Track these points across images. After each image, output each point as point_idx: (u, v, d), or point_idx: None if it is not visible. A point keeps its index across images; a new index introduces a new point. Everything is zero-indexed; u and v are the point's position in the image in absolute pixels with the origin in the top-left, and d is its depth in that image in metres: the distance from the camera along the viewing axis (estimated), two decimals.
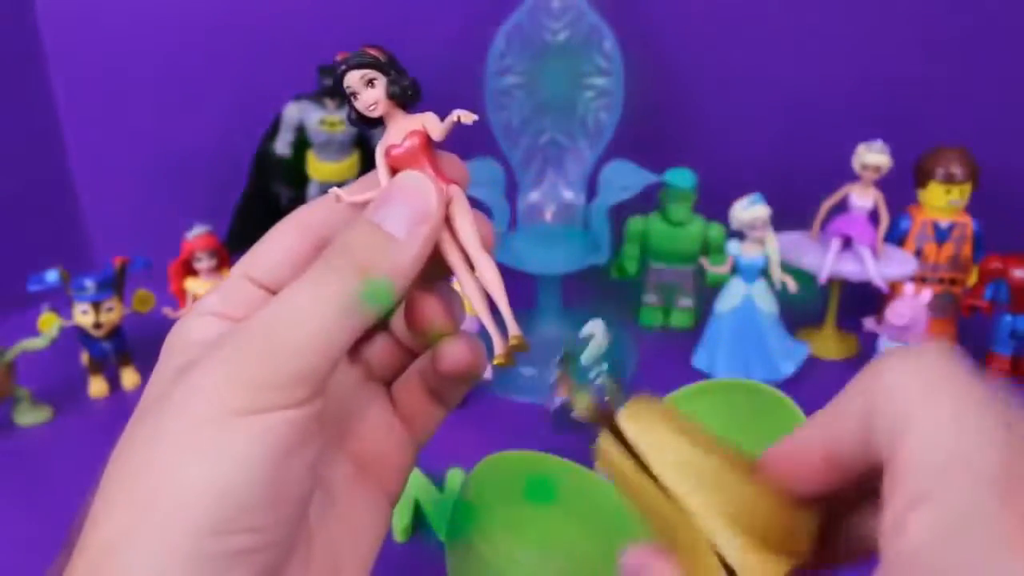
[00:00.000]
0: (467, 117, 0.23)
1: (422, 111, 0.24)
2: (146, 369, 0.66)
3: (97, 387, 0.64)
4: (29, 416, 0.60)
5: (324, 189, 0.70)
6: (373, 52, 0.23)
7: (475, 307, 0.23)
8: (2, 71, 0.74)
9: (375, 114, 0.23)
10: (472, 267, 0.23)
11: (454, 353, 0.24)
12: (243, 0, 0.74)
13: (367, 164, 0.71)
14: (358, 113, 0.23)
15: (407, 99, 0.23)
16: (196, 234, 0.65)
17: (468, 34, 0.67)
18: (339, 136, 0.69)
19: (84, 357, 0.64)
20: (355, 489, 0.24)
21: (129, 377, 0.65)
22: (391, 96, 0.23)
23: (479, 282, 0.23)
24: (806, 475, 0.20)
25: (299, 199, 0.71)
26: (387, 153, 0.24)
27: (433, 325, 0.24)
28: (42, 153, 0.78)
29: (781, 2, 0.75)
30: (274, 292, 0.23)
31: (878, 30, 0.75)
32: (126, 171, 0.80)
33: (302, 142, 0.70)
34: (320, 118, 0.68)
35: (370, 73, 0.23)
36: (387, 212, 0.22)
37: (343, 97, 0.23)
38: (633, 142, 0.69)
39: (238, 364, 0.20)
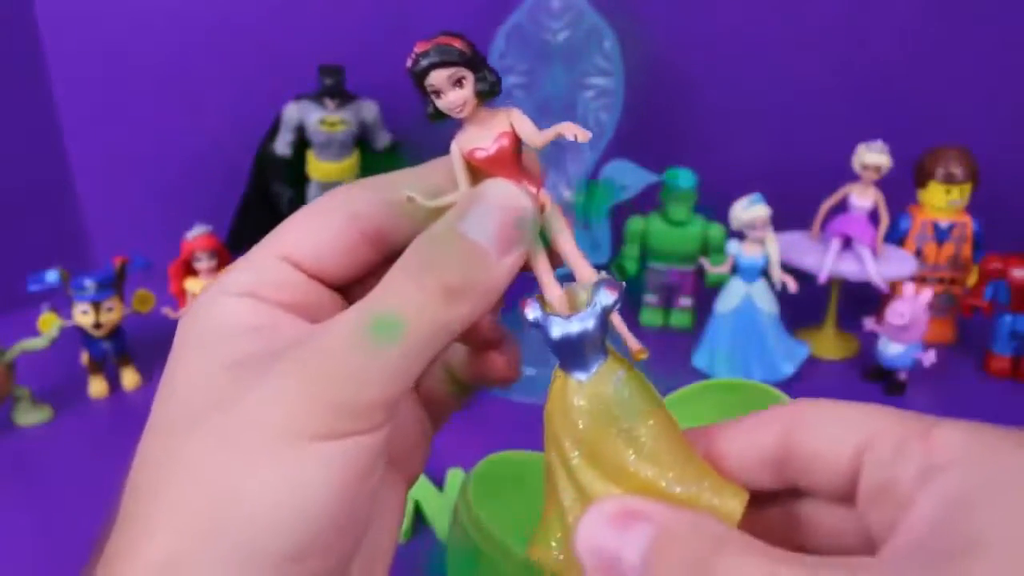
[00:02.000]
0: (583, 135, 0.21)
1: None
2: (146, 369, 0.66)
3: (97, 387, 0.64)
4: (29, 416, 0.60)
5: (324, 189, 0.71)
6: (459, 45, 0.20)
7: (551, 300, 0.21)
8: (2, 71, 0.74)
9: (462, 116, 0.21)
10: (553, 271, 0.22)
11: (497, 366, 0.24)
12: (243, 0, 0.74)
13: (366, 164, 0.71)
14: (437, 110, 0.21)
15: (494, 96, 0.21)
16: (196, 234, 0.65)
17: (468, 34, 0.67)
18: (339, 136, 0.69)
19: (84, 357, 0.64)
20: (386, 479, 0.23)
21: (129, 377, 0.65)
22: (479, 95, 0.21)
23: (557, 285, 0.21)
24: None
25: (299, 199, 0.71)
26: (470, 155, 0.21)
27: (500, 378, 0.24)
28: (42, 153, 0.78)
29: (781, 2, 0.75)
30: (319, 279, 0.21)
31: (878, 30, 0.75)
32: (126, 171, 0.80)
33: (302, 142, 0.70)
34: (320, 118, 0.68)
35: (460, 71, 0.20)
36: (477, 225, 0.20)
37: (424, 94, 0.20)
38: (633, 142, 0.69)
39: (321, 385, 0.18)
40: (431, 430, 0.26)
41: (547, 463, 0.21)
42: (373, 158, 0.71)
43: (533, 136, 0.21)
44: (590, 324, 0.20)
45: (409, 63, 0.20)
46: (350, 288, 0.23)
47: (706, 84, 0.77)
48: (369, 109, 0.70)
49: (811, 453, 0.20)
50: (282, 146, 0.70)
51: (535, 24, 0.65)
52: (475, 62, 0.20)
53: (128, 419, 0.62)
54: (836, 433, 0.20)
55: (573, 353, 0.20)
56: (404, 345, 0.19)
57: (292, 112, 0.69)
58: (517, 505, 0.41)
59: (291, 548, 0.17)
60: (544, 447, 0.21)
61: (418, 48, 0.20)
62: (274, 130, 0.70)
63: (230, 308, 0.20)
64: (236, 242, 0.71)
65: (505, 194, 0.20)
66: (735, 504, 0.20)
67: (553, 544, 0.21)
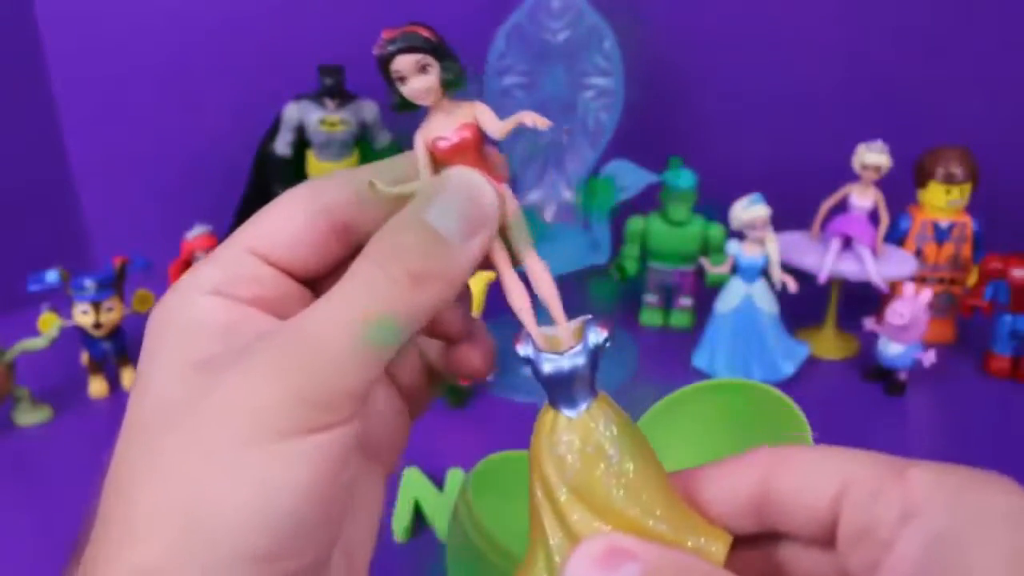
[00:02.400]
0: (541, 122, 0.21)
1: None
2: None
3: (97, 387, 0.64)
4: (29, 416, 0.60)
5: None
6: (425, 33, 0.21)
7: (516, 306, 0.21)
8: (2, 71, 0.74)
9: (425, 103, 0.21)
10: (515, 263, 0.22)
11: (472, 360, 0.24)
12: (243, 0, 0.74)
13: (366, 163, 0.71)
14: (402, 99, 0.21)
15: (459, 87, 0.21)
16: (196, 234, 0.65)
17: (468, 34, 0.67)
18: (339, 136, 0.69)
19: (84, 357, 0.64)
20: (362, 469, 0.23)
21: (129, 377, 0.65)
22: (444, 84, 0.21)
23: (519, 283, 0.22)
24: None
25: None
26: (433, 145, 0.21)
27: (474, 370, 0.24)
28: (42, 153, 0.78)
29: (781, 2, 0.75)
30: (288, 273, 0.21)
31: (878, 30, 0.75)
32: (126, 171, 0.80)
33: (302, 142, 0.70)
34: (320, 118, 0.68)
35: (425, 59, 0.20)
36: (440, 212, 0.20)
37: (390, 82, 0.21)
38: (633, 142, 0.69)
39: (289, 379, 0.18)
40: (410, 420, 0.25)
41: (533, 501, 0.21)
42: (373, 158, 0.71)
43: (494, 127, 0.21)
44: (580, 361, 0.20)
45: (376, 50, 0.21)
46: (318, 282, 0.23)
47: (706, 84, 0.77)
48: (369, 109, 0.70)
49: (790, 498, 0.20)
50: (282, 146, 0.70)
51: (535, 24, 0.65)
52: (441, 51, 0.21)
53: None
54: (814, 478, 0.20)
55: (563, 390, 0.21)
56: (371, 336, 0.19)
57: (292, 112, 0.69)
58: (517, 505, 0.41)
59: (265, 550, 0.17)
60: (529, 485, 0.21)
61: (385, 35, 0.21)
62: (274, 130, 0.70)
63: (199, 305, 0.20)
64: None
65: (467, 181, 0.21)
66: (719, 547, 0.20)
67: None
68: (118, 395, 0.64)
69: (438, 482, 0.51)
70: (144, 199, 0.80)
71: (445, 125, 0.21)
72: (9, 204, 0.75)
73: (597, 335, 0.21)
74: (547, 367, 0.21)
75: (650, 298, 0.76)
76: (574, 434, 0.20)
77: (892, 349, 0.64)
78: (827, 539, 0.20)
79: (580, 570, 0.18)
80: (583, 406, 0.21)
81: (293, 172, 0.71)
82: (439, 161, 0.21)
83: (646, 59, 0.72)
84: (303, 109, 0.68)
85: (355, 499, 0.22)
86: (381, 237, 0.20)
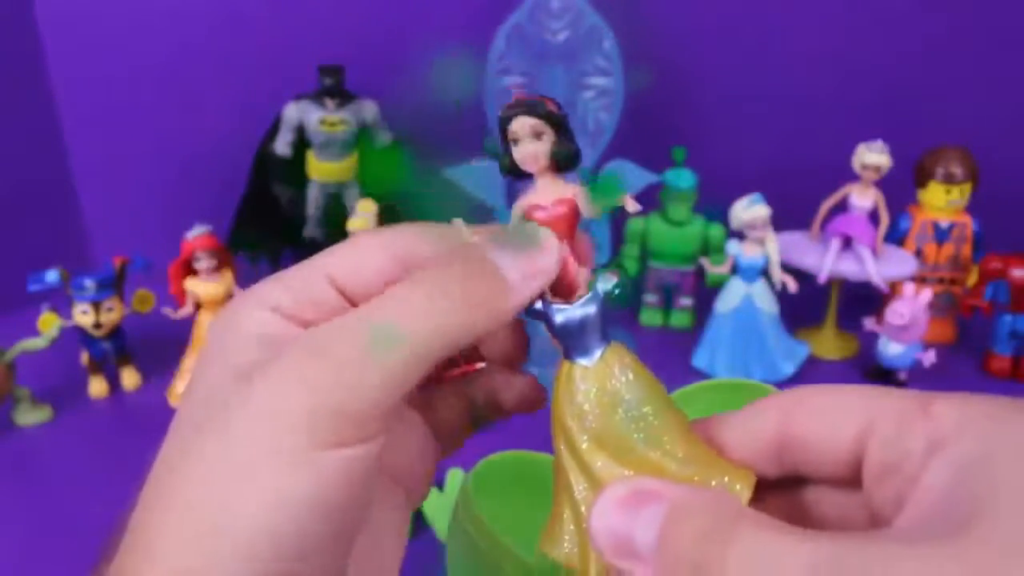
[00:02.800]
0: (631, 205, 0.22)
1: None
2: (146, 369, 0.66)
3: (97, 387, 0.64)
4: (29, 416, 0.60)
5: (324, 189, 0.71)
6: (550, 105, 0.22)
7: None
8: (2, 71, 0.74)
9: (531, 169, 0.22)
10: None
11: (524, 398, 0.24)
12: (243, 1, 0.74)
13: (366, 164, 0.71)
14: (512, 162, 0.22)
15: (568, 165, 0.22)
16: (196, 234, 0.65)
17: (468, 34, 0.67)
18: (339, 136, 0.69)
19: (84, 357, 0.64)
20: (386, 497, 0.23)
21: (129, 377, 0.65)
22: (554, 156, 0.21)
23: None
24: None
25: (299, 199, 0.71)
26: (529, 213, 0.22)
27: (525, 399, 0.25)
28: (42, 153, 0.78)
29: (782, 3, 0.75)
30: (354, 305, 0.21)
31: (878, 30, 0.75)
32: (126, 171, 0.80)
33: (302, 142, 0.70)
34: (320, 118, 0.68)
35: (541, 125, 0.21)
36: (506, 254, 0.21)
37: (505, 143, 0.21)
38: (633, 142, 0.69)
39: (324, 391, 0.18)
40: (438, 452, 0.25)
41: (556, 456, 0.21)
42: (373, 158, 0.71)
43: (590, 207, 0.22)
44: (591, 309, 0.21)
45: (500, 111, 0.22)
46: None
47: (706, 84, 0.77)
48: (369, 109, 0.70)
49: (811, 439, 0.20)
50: (282, 146, 0.70)
51: (535, 24, 0.65)
52: (559, 124, 0.21)
53: (128, 419, 0.62)
54: (835, 417, 0.20)
55: (577, 339, 0.21)
56: (404, 353, 0.19)
57: (292, 112, 0.69)
58: (517, 505, 0.41)
59: (287, 561, 0.17)
60: (552, 440, 0.21)
61: (514, 97, 0.22)
62: (274, 130, 0.70)
63: (255, 318, 0.21)
64: (236, 242, 0.71)
65: (536, 234, 0.21)
66: (744, 486, 0.20)
67: (565, 538, 0.21)
68: (118, 395, 0.64)
69: (438, 482, 0.51)
70: (144, 199, 0.80)
71: (545, 196, 0.22)
72: (9, 204, 0.75)
73: (606, 282, 0.21)
74: (559, 317, 0.21)
75: (650, 298, 0.76)
76: (591, 382, 0.21)
77: (892, 349, 0.64)
78: (851, 479, 0.20)
79: (605, 514, 0.18)
80: (597, 353, 0.21)
81: (293, 172, 0.71)
82: None
83: (646, 59, 0.72)
84: (303, 109, 0.68)
85: (379, 523, 0.22)
86: (450, 260, 0.20)
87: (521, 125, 0.21)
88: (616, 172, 0.67)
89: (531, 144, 0.21)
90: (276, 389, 0.18)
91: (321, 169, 0.70)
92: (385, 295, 0.20)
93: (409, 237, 0.22)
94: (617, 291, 0.21)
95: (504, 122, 0.21)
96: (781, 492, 0.22)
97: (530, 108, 0.21)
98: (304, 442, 0.18)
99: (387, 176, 0.68)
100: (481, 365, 0.25)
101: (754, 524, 0.16)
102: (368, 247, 0.22)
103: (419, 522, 0.49)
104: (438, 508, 0.49)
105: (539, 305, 0.21)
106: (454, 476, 0.51)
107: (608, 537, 0.18)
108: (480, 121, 0.68)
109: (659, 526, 0.17)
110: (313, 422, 0.18)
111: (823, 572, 0.15)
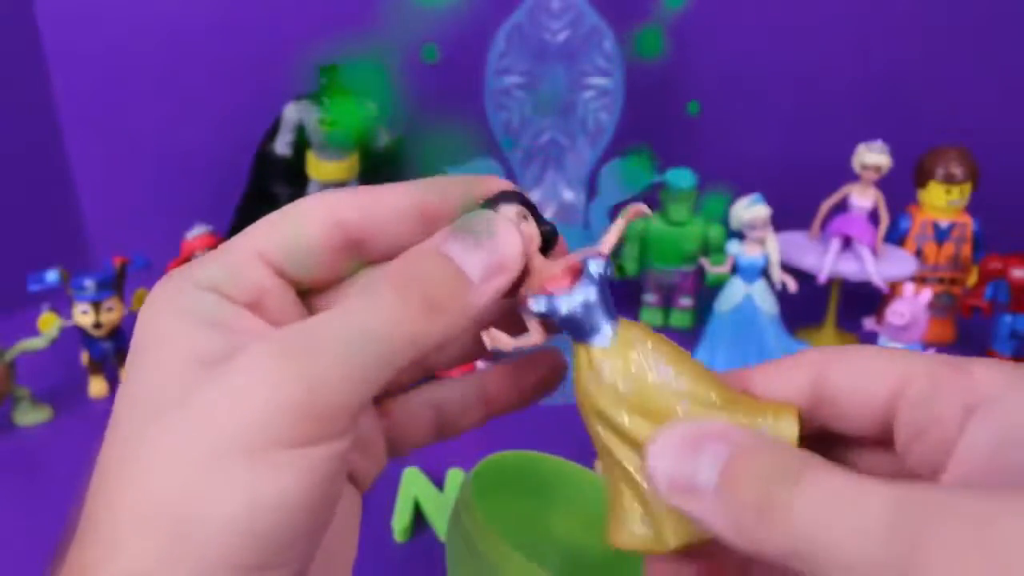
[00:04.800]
0: (643, 211, 0.22)
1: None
2: None
3: (97, 387, 0.64)
4: (29, 416, 0.60)
5: (324, 188, 0.71)
6: (524, 194, 0.22)
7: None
8: (2, 71, 0.74)
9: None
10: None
11: (552, 370, 0.24)
12: (243, 1, 0.74)
13: (366, 164, 0.71)
14: None
15: (549, 244, 0.22)
16: (196, 234, 0.65)
17: (468, 34, 0.67)
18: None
19: (84, 357, 0.64)
20: (344, 495, 0.23)
21: None
22: (542, 235, 0.22)
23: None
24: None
25: (299, 199, 0.71)
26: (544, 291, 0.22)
27: (548, 384, 0.25)
28: (42, 153, 0.78)
29: (782, 3, 0.75)
30: (292, 282, 0.21)
31: (878, 30, 0.75)
32: (126, 171, 0.80)
33: (302, 142, 0.70)
34: (320, 118, 0.68)
35: (525, 212, 0.22)
36: (463, 248, 0.20)
37: None
38: (633, 142, 0.69)
39: (286, 387, 0.17)
40: (393, 453, 0.25)
41: (598, 444, 0.21)
42: (373, 158, 0.71)
43: (601, 245, 0.22)
44: (591, 290, 0.21)
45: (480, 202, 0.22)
46: (313, 295, 0.22)
47: (706, 84, 0.77)
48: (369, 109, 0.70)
49: (844, 396, 0.20)
50: (282, 146, 0.70)
51: (535, 24, 0.65)
52: (536, 213, 0.22)
53: None
54: (871, 375, 0.19)
55: (585, 323, 0.21)
56: (385, 349, 0.19)
57: (292, 112, 0.69)
58: (517, 505, 0.41)
59: (255, 560, 0.17)
60: (589, 430, 0.21)
61: (497, 188, 0.22)
62: (274, 130, 0.70)
63: (194, 298, 0.20)
64: None
65: (494, 225, 0.21)
66: (790, 421, 0.20)
67: (636, 522, 0.21)
68: None
69: (438, 482, 0.51)
70: (144, 199, 0.80)
71: (544, 277, 0.22)
72: (9, 204, 0.75)
73: (597, 264, 0.21)
74: (564, 308, 0.21)
75: (650, 298, 0.76)
76: (614, 358, 0.21)
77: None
78: (884, 439, 0.19)
79: (665, 454, 0.18)
80: (610, 331, 0.21)
81: (293, 172, 0.71)
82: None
83: (646, 59, 0.72)
84: (303, 109, 0.68)
85: (337, 521, 0.22)
86: (400, 262, 0.20)
87: (508, 211, 0.21)
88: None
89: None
90: (243, 384, 0.18)
91: (321, 169, 0.70)
92: (360, 296, 0.19)
93: (344, 201, 0.22)
94: (609, 271, 0.21)
95: (489, 206, 0.22)
96: (812, 448, 0.22)
97: (515, 197, 0.22)
98: (272, 439, 0.17)
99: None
100: (480, 364, 0.25)
101: (824, 468, 0.16)
102: (299, 216, 0.21)
103: (419, 522, 0.49)
104: (438, 508, 0.49)
105: (541, 307, 0.21)
106: (454, 476, 0.51)
107: (667, 476, 0.18)
108: (480, 120, 0.68)
109: (722, 466, 0.17)
110: (281, 419, 0.17)
111: (907, 507, 0.14)
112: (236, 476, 0.17)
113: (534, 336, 0.22)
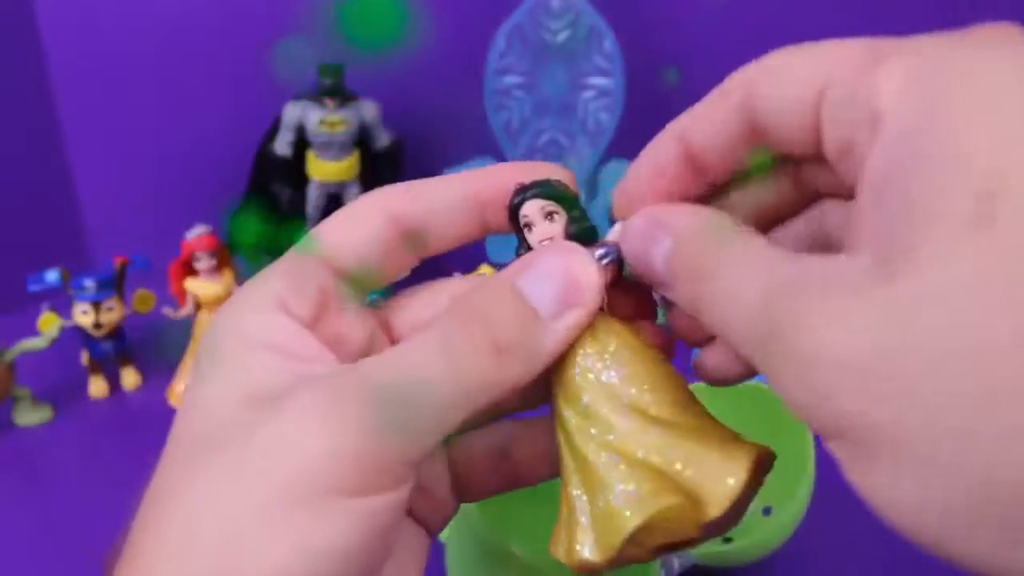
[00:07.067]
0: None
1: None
2: (146, 369, 0.66)
3: (97, 387, 0.64)
4: (29, 416, 0.60)
5: (324, 189, 0.71)
6: (558, 182, 0.21)
7: None
8: (2, 71, 0.74)
9: None
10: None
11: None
12: (243, 1, 0.74)
13: (366, 164, 0.71)
14: (528, 246, 0.21)
15: (583, 242, 0.21)
16: (196, 234, 0.65)
17: (468, 34, 0.67)
18: (339, 136, 0.68)
19: (84, 357, 0.64)
20: (408, 533, 0.22)
21: (129, 377, 0.65)
22: (568, 236, 0.21)
23: None
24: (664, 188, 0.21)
25: (299, 199, 0.71)
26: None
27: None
28: (42, 153, 0.78)
29: (782, 2, 0.75)
30: (354, 283, 0.21)
31: (879, 30, 0.75)
32: (126, 171, 0.80)
33: (302, 142, 0.70)
34: (320, 118, 0.68)
35: (552, 206, 0.21)
36: (534, 280, 0.19)
37: (518, 232, 0.21)
38: (633, 142, 0.69)
39: (344, 435, 0.17)
40: (456, 494, 0.24)
41: (559, 439, 0.21)
42: (373, 158, 0.71)
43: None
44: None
45: (508, 199, 0.21)
46: (383, 308, 0.22)
47: (706, 84, 0.77)
48: (369, 109, 0.70)
49: (774, 119, 0.18)
50: (282, 146, 0.70)
51: (535, 24, 0.65)
52: (570, 203, 0.21)
53: (128, 419, 0.62)
54: (795, 86, 0.18)
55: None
56: (447, 399, 0.18)
57: (292, 112, 0.69)
58: (517, 505, 0.41)
59: None
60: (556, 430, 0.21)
61: (517, 184, 0.21)
62: (274, 130, 0.70)
63: (258, 324, 0.19)
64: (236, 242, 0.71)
65: (567, 253, 0.20)
66: (737, 470, 0.19)
67: (565, 537, 0.20)
68: (118, 395, 0.64)
69: None
70: (144, 199, 0.80)
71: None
72: (9, 204, 0.75)
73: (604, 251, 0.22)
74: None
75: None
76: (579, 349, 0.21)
77: None
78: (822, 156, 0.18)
79: (632, 239, 0.20)
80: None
81: (293, 172, 0.71)
82: None
83: (646, 59, 0.72)
84: (303, 109, 0.68)
85: (399, 558, 0.21)
86: (468, 297, 0.19)
87: (532, 208, 0.20)
88: None
89: (544, 225, 0.21)
90: (300, 426, 0.17)
91: (321, 169, 0.70)
92: (399, 348, 0.18)
93: (393, 195, 0.21)
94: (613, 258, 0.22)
95: (515, 208, 0.21)
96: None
97: (539, 190, 0.21)
98: (329, 488, 0.16)
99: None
100: None
101: (741, 248, 0.18)
102: (354, 216, 0.21)
103: None
104: None
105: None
106: None
107: (632, 257, 0.20)
108: (480, 120, 0.68)
109: (668, 250, 0.19)
110: (336, 468, 0.16)
111: (776, 290, 0.16)
112: (288, 524, 0.16)
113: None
